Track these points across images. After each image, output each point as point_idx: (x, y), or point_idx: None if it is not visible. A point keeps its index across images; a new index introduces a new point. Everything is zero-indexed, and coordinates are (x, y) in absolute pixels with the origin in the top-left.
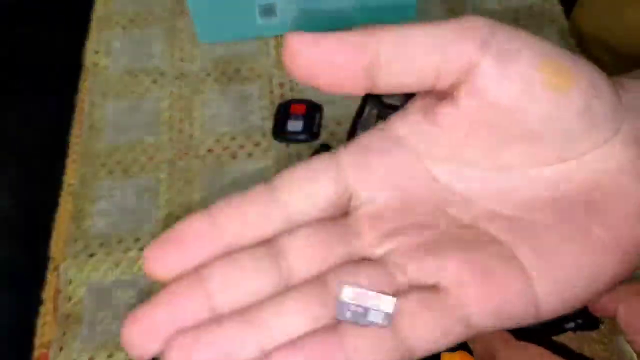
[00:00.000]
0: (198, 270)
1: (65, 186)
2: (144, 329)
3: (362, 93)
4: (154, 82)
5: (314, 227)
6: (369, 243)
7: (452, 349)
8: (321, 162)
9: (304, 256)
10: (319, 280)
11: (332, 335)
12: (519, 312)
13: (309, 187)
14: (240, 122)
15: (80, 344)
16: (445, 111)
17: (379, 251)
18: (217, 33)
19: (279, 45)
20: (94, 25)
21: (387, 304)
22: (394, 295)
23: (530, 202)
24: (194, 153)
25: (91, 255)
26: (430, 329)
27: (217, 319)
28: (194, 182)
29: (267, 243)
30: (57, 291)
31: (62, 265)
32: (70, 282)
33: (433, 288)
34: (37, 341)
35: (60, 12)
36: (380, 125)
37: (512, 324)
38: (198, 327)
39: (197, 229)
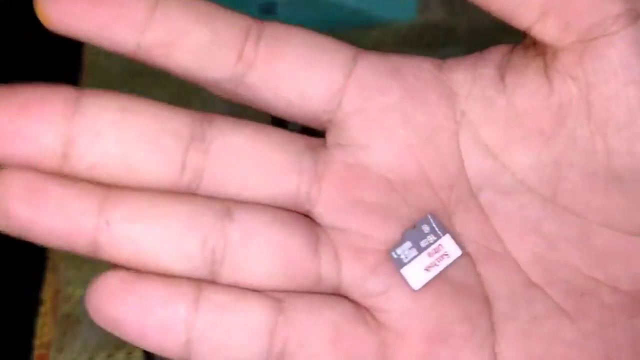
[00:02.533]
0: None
1: None
2: None
3: None
4: (154, 82)
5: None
6: (324, 203)
7: None
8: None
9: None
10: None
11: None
12: None
13: None
14: None
15: (80, 344)
16: (535, 80)
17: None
18: None
19: None
20: None
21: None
22: None
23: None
24: None
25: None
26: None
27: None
28: None
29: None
30: (57, 291)
31: (62, 265)
32: (69, 282)
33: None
34: (37, 341)
35: None
36: (436, 63)
37: None
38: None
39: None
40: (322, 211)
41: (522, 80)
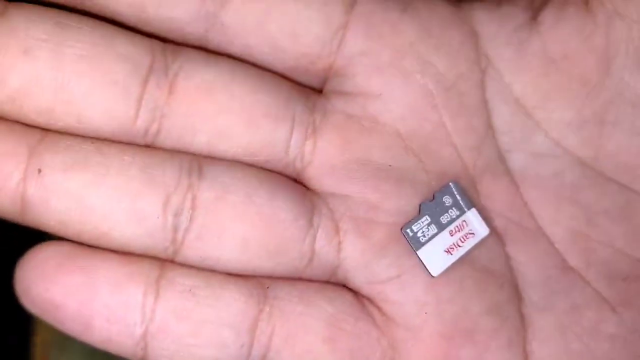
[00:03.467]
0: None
1: None
2: None
3: None
4: None
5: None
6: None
7: None
8: None
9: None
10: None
11: None
12: None
13: None
14: None
15: (80, 344)
16: (570, 25)
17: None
18: None
19: None
20: None
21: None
22: None
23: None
24: None
25: None
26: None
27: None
28: None
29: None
30: None
31: None
32: None
33: None
34: (37, 341)
35: None
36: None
37: None
38: None
39: None
40: (318, 173)
41: (559, 18)
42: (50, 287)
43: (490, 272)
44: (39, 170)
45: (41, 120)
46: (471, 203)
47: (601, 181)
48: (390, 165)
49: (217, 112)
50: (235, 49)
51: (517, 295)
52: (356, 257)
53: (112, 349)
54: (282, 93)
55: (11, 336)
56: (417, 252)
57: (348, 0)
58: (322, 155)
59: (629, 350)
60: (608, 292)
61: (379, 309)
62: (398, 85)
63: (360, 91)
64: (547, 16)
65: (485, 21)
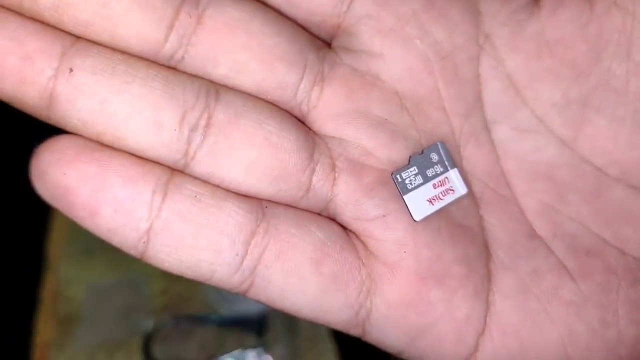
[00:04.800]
0: None
1: None
2: None
3: None
4: None
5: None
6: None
7: None
8: None
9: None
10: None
11: None
12: None
13: None
14: None
15: (80, 344)
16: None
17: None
18: None
19: None
20: None
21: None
22: None
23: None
24: None
25: (90, 255)
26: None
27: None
28: None
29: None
30: (56, 291)
31: (61, 265)
32: (69, 282)
33: None
34: (37, 341)
35: None
36: None
37: None
38: None
39: None
40: (321, 117)
41: (559, 4)
42: (66, 172)
43: (464, 227)
44: (70, 70)
45: (77, 31)
46: (454, 163)
47: (577, 162)
48: (386, 119)
49: (237, 48)
50: None
51: (486, 252)
52: (348, 194)
53: (115, 240)
54: (298, 40)
55: (11, 336)
56: (404, 197)
57: None
58: (327, 101)
59: (581, 318)
60: (570, 263)
61: (363, 243)
62: (398, 48)
63: (364, 49)
64: (548, 1)
65: (489, 1)
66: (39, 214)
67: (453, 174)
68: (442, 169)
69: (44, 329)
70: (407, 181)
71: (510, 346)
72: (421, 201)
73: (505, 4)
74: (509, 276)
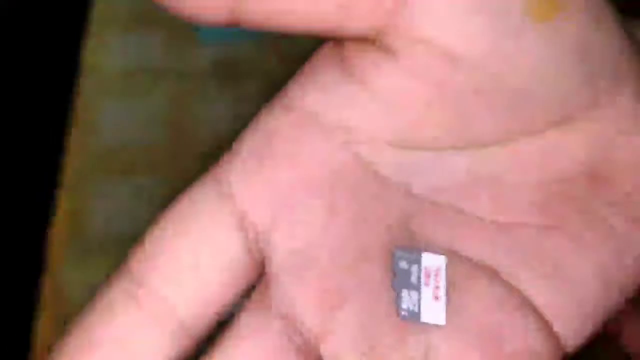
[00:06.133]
0: None
1: (63, 186)
2: None
3: (224, 22)
4: (154, 82)
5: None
6: (310, 329)
7: None
8: (207, 203)
9: None
10: None
11: None
12: None
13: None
14: (240, 122)
15: None
16: (376, 67)
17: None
18: (217, 33)
19: (279, 46)
20: (93, 25)
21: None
22: None
23: (516, 193)
24: (193, 153)
25: (90, 256)
26: None
27: None
28: (194, 183)
29: None
30: (56, 292)
31: (61, 266)
32: (69, 283)
33: None
34: (37, 342)
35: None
36: (282, 98)
37: None
38: None
39: None
40: None
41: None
42: None
43: None
44: None
45: None
46: (418, 251)
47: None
48: None
49: None
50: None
51: None
52: None
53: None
54: None
55: (11, 336)
56: (421, 321)
57: None
58: None
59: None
60: None
61: None
62: (300, 228)
63: None
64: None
65: (310, 96)
66: (39, 214)
67: (425, 258)
68: (417, 267)
69: (44, 330)
70: (410, 308)
71: None
72: (431, 307)
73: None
74: None
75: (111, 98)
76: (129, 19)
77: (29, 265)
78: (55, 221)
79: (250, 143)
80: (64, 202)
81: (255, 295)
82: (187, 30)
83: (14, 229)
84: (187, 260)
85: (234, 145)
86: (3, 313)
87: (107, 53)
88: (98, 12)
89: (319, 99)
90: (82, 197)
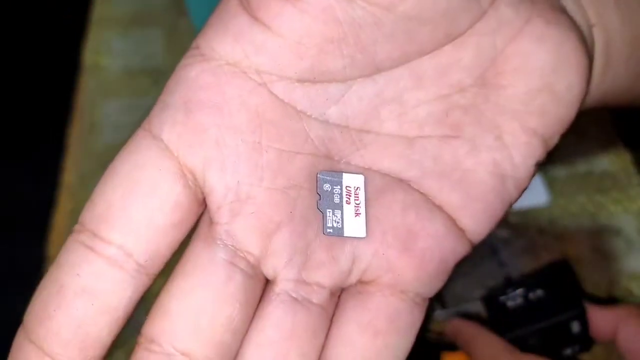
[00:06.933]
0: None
1: (64, 185)
2: None
3: None
4: (154, 82)
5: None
6: (251, 253)
7: (453, 349)
8: (144, 153)
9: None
10: None
11: None
12: (450, 265)
13: (145, 210)
14: None
15: None
16: (279, 13)
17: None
18: None
19: None
20: (93, 24)
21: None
22: None
23: (417, 109)
24: None
25: None
26: None
27: None
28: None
29: None
30: None
31: None
32: None
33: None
34: None
35: (59, 12)
36: (199, 48)
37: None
38: None
39: None
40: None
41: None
42: None
43: None
44: None
45: None
46: (339, 172)
47: None
48: None
49: None
50: None
51: None
52: None
53: None
54: None
55: (14, 336)
56: (344, 235)
57: None
58: None
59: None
60: None
61: None
62: (232, 167)
63: None
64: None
65: (221, 44)
66: (38, 214)
67: (346, 178)
68: (338, 187)
69: None
70: (335, 224)
71: None
72: (353, 222)
73: None
74: None
75: (111, 98)
76: (129, 19)
77: (29, 265)
78: (56, 221)
79: (176, 95)
80: (64, 202)
81: (200, 229)
82: (187, 30)
83: (13, 229)
84: (137, 209)
85: (161, 97)
86: (4, 313)
87: (107, 53)
88: (98, 12)
89: (234, 48)
90: (82, 197)
